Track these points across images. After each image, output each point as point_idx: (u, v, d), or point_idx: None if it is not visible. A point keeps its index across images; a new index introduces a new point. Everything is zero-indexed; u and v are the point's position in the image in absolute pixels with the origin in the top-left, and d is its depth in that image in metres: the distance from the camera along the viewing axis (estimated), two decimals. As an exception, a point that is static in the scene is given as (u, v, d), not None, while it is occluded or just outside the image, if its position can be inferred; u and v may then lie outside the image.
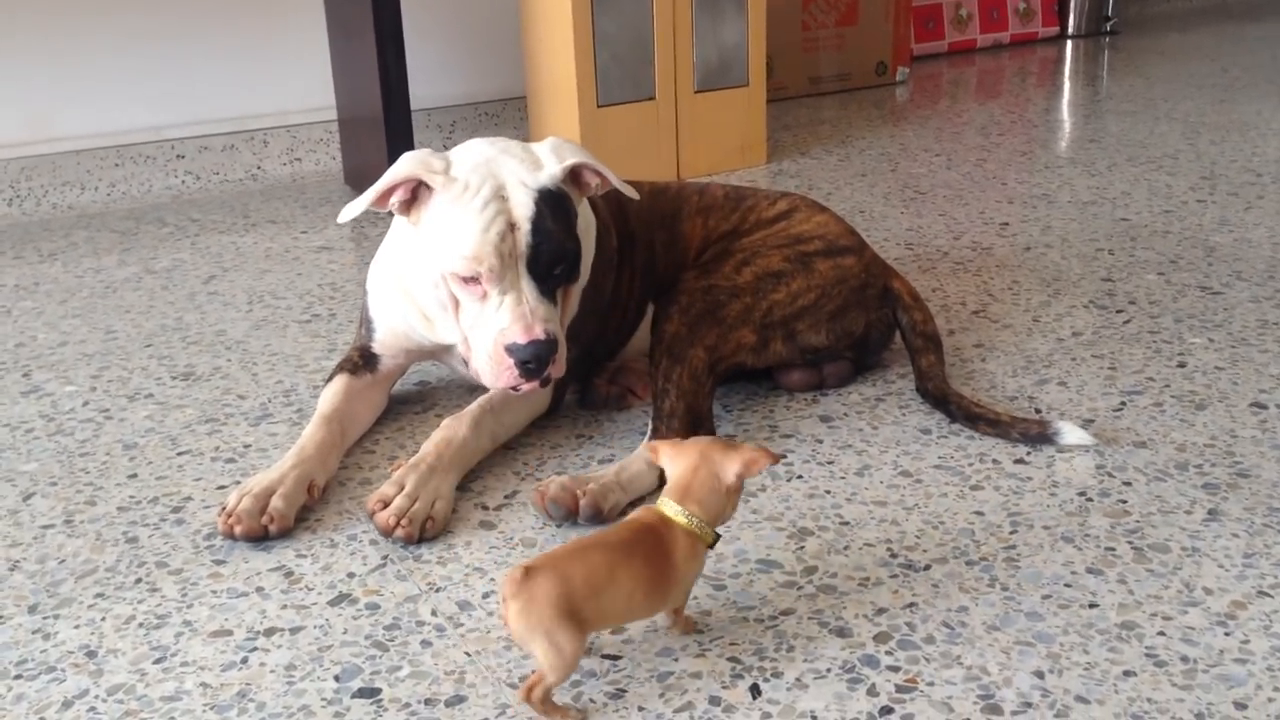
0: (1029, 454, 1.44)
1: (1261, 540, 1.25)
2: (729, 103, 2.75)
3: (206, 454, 1.51)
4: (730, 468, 1.09)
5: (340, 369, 1.56)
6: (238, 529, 1.29)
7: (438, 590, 1.21)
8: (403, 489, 1.31)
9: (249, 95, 2.83)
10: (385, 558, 1.27)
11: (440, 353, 1.56)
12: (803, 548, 1.27)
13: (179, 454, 1.51)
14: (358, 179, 2.70)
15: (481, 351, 1.34)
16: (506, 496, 1.40)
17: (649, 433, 1.42)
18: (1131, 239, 2.20)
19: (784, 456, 1.45)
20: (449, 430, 1.40)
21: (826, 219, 1.67)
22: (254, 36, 2.81)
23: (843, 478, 1.42)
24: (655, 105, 2.65)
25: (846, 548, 1.27)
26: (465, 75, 3.07)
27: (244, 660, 1.11)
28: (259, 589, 1.22)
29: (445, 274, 1.34)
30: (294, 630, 1.15)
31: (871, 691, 1.05)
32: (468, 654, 1.11)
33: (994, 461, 1.43)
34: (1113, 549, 1.25)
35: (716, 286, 1.49)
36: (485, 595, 1.20)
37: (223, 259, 2.28)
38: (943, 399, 1.54)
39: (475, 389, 1.62)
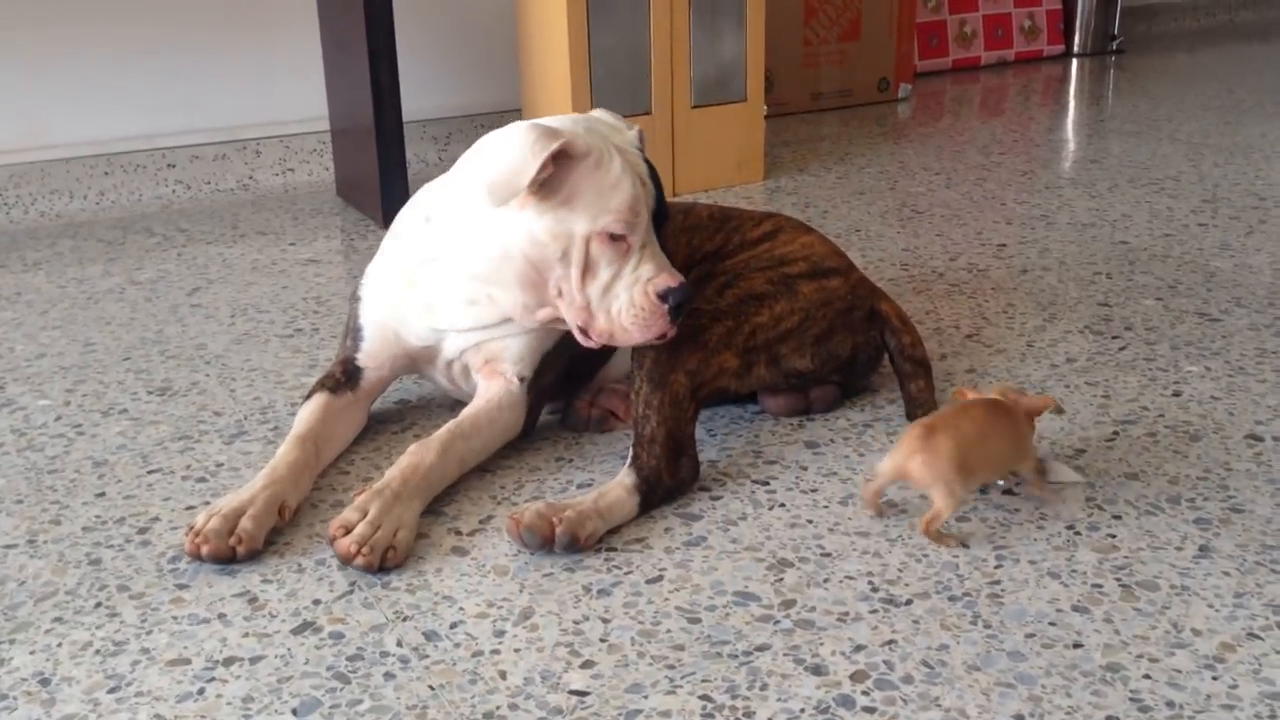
0: (1017, 485, 1.41)
1: (1253, 579, 1.21)
2: (726, 118, 2.72)
3: (177, 472, 1.48)
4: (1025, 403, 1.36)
5: (320, 386, 1.53)
6: (204, 550, 1.26)
7: (405, 619, 1.18)
8: (366, 515, 1.28)
9: (242, 104, 2.81)
10: (353, 584, 1.24)
11: (425, 362, 1.54)
12: (781, 580, 1.24)
13: (149, 472, 1.48)
14: (350, 190, 2.68)
15: (626, 308, 1.36)
16: (481, 521, 1.37)
17: (629, 458, 1.39)
18: (1130, 263, 2.16)
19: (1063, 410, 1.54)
20: (416, 456, 1.37)
21: (812, 240, 1.64)
22: (248, 46, 2.79)
23: (826, 507, 1.38)
24: (651, 120, 2.62)
25: (826, 580, 1.24)
26: (461, 87, 3.04)
27: (200, 691, 1.08)
28: (221, 615, 1.19)
29: (595, 235, 1.35)
30: (254, 660, 1.12)
31: (845, 734, 1.01)
32: (431, 688, 1.08)
33: (980, 492, 1.40)
34: (1100, 586, 1.21)
35: (698, 310, 1.46)
36: (453, 625, 1.17)
37: (208, 270, 2.25)
38: None
39: (455, 406, 1.59)
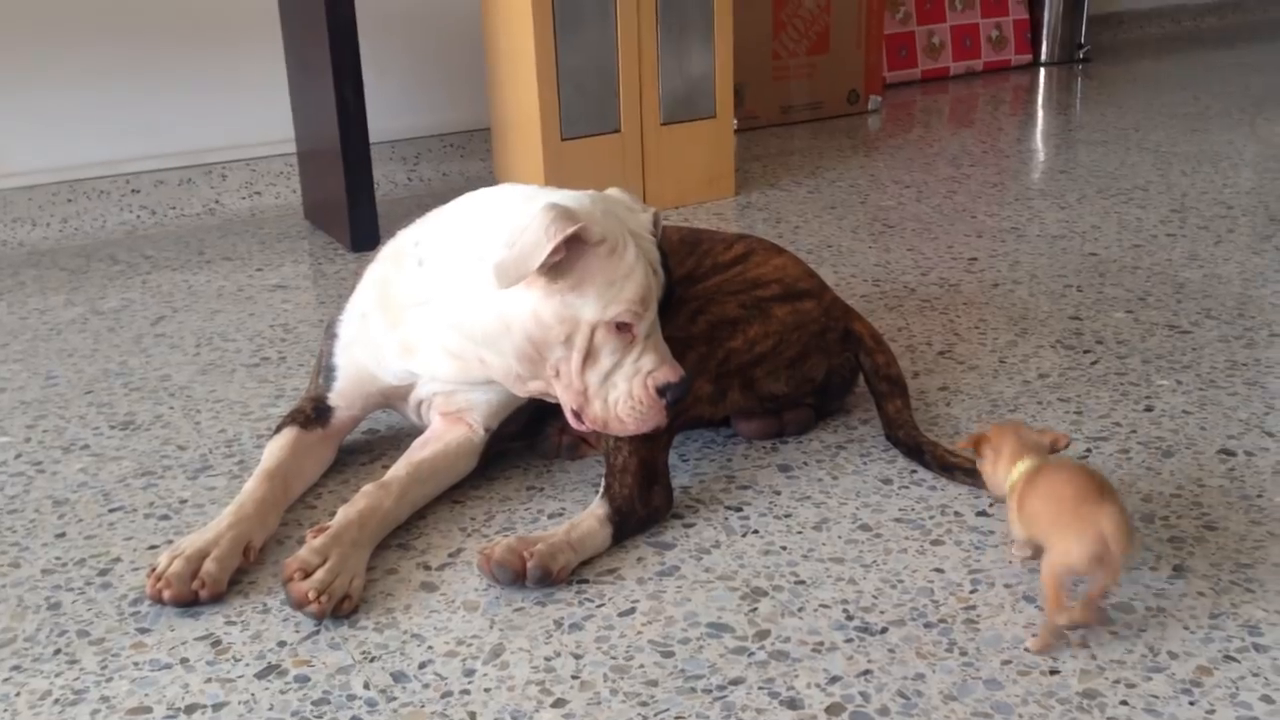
0: (991, 505, 1.40)
1: (1228, 599, 1.21)
2: (696, 135, 2.71)
3: (140, 510, 1.45)
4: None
5: (290, 421, 1.50)
6: (166, 594, 1.23)
7: (372, 660, 1.16)
8: (325, 561, 1.25)
9: (206, 127, 2.78)
10: (320, 624, 1.22)
11: (397, 399, 1.52)
12: (755, 609, 1.23)
13: (111, 510, 1.45)
14: (317, 213, 2.65)
15: (623, 399, 1.33)
16: (450, 555, 1.34)
17: (602, 488, 1.38)
18: (1100, 275, 2.16)
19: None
20: (374, 499, 1.34)
21: (784, 262, 1.63)
22: (212, 68, 2.76)
23: (800, 533, 1.37)
24: (621, 138, 2.61)
25: (801, 609, 1.22)
26: (429, 107, 3.02)
27: (162, 740, 1.05)
28: (183, 660, 1.16)
29: (601, 323, 1.30)
30: (217, 706, 1.10)
31: (821, 770, 1.00)
32: (399, 731, 1.06)
33: (956, 514, 1.39)
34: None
35: (670, 338, 1.45)
36: (422, 665, 1.15)
37: (173, 299, 2.22)
38: (916, 448, 1.50)
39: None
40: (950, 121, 3.55)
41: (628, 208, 1.41)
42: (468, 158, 3.07)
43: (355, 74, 2.36)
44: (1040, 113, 3.68)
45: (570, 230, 1.26)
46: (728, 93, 2.73)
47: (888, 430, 1.55)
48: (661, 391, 1.33)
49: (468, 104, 3.04)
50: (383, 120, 2.88)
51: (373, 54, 2.81)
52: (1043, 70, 4.31)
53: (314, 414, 1.51)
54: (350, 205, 2.43)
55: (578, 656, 1.16)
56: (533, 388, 1.38)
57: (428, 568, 1.32)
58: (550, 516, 1.42)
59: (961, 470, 1.44)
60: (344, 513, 1.32)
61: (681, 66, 2.65)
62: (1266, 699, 1.07)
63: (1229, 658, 1.12)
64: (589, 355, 1.32)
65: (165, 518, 1.44)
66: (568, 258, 1.29)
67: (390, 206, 2.79)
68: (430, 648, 1.18)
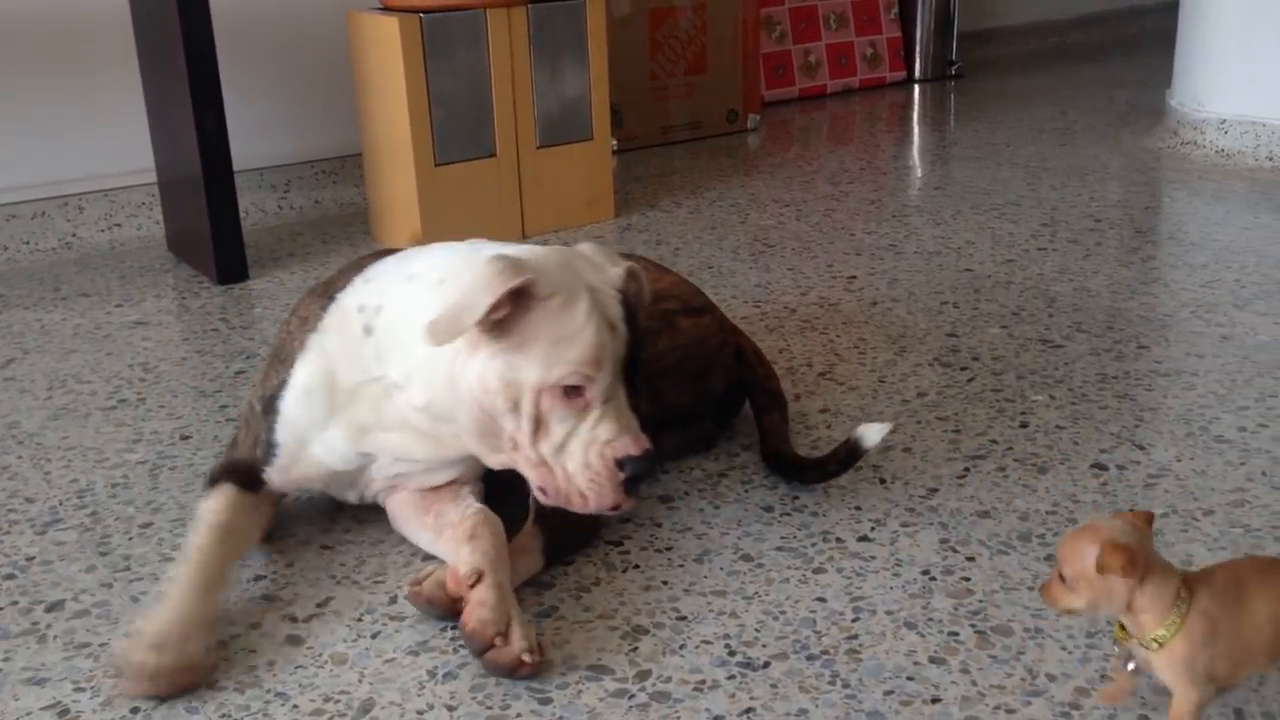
0: (872, 529, 1.39)
1: (1104, 617, 1.21)
2: (573, 157, 2.68)
3: (-18, 571, 1.36)
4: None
5: (226, 476, 1.34)
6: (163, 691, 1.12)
7: (232, 723, 1.09)
8: (509, 616, 1.17)
9: (61, 158, 2.66)
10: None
11: (342, 484, 1.38)
12: (636, 649, 1.19)
13: (-51, 573, 1.36)
14: (181, 244, 2.55)
15: (580, 470, 1.19)
16: (319, 605, 1.28)
17: (530, 517, 1.33)
18: (975, 290, 2.19)
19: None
20: (490, 537, 1.25)
21: (676, 279, 1.63)
22: (65, 97, 2.64)
23: (681, 565, 1.34)
24: (496, 163, 2.57)
25: (683, 647, 1.19)
26: (299, 133, 2.94)
27: (-2, 826, 0.98)
28: (24, 735, 1.08)
29: (547, 387, 1.17)
30: (60, 785, 1.02)
31: (703, 818, 0.97)
32: (259, 801, 1.00)
33: (837, 540, 1.38)
34: (956, 634, 1.20)
35: None
36: (285, 727, 1.09)
37: (24, 339, 2.11)
38: (776, 457, 1.51)
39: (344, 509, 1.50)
40: (828, 139, 3.59)
41: (593, 263, 1.27)
42: (340, 184, 2.99)
43: (216, 102, 2.28)
44: (915, 129, 3.74)
45: (516, 283, 1.14)
46: (604, 114, 2.71)
47: (764, 444, 1.54)
48: (620, 465, 1.19)
49: (338, 129, 2.97)
50: (249, 146, 2.79)
51: (236, 78, 2.72)
52: (917, 87, 4.39)
53: (248, 479, 1.35)
54: (215, 236, 2.34)
55: (451, 709, 1.11)
56: (498, 461, 1.25)
57: (294, 619, 1.26)
58: (425, 559, 1.37)
59: (809, 468, 1.48)
60: (480, 552, 1.22)
61: (556, 88, 2.62)
62: (1144, 718, 1.07)
63: (1106, 677, 1.12)
64: (539, 423, 1.19)
65: (10, 576, 1.35)
66: (514, 315, 1.17)
67: (260, 235, 2.70)
68: (295, 707, 1.12)
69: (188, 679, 1.14)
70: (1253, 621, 0.96)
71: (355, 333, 1.28)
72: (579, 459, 1.19)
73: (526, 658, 1.14)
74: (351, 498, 1.41)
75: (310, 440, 1.32)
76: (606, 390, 1.20)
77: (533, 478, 1.23)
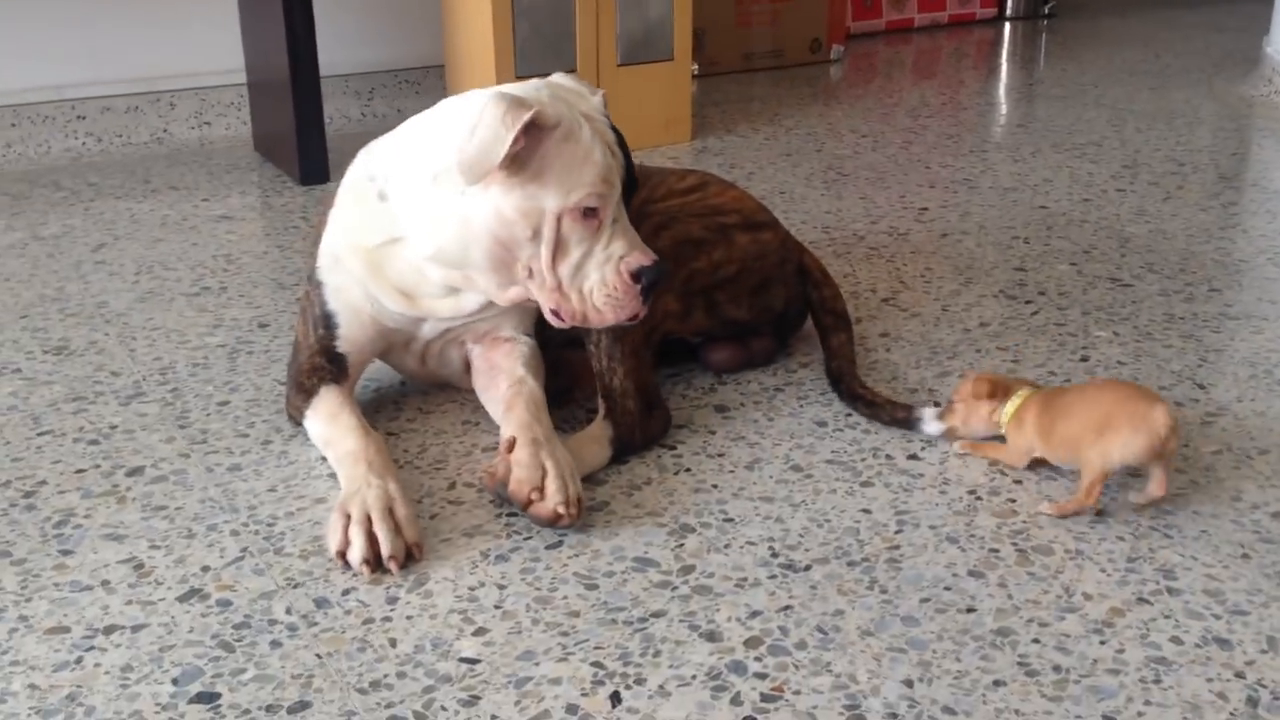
0: (923, 449, 1.41)
1: (1146, 544, 1.23)
2: (653, 77, 2.69)
3: (69, 434, 1.44)
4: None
5: (316, 379, 1.39)
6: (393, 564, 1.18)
7: (296, 586, 1.16)
8: (547, 470, 1.24)
9: (156, 54, 2.72)
10: (244, 550, 1.21)
11: (398, 345, 1.45)
12: (682, 545, 1.23)
13: (39, 434, 1.44)
14: (268, 146, 2.62)
15: (598, 287, 1.30)
16: (381, 486, 1.34)
17: (601, 412, 1.38)
18: (1048, 227, 2.17)
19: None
20: (524, 395, 1.35)
21: (740, 194, 1.64)
22: (162, -6, 2.70)
23: (731, 471, 1.37)
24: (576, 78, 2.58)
25: (727, 546, 1.23)
26: (385, 41, 2.98)
27: (78, 660, 1.05)
28: (105, 582, 1.16)
29: (567, 211, 1.26)
30: (136, 628, 1.09)
31: (735, 700, 1.01)
32: (318, 656, 1.06)
33: (887, 457, 1.40)
34: (996, 550, 1.22)
35: None
36: (345, 592, 1.15)
37: (115, 226, 2.19)
38: (837, 378, 1.53)
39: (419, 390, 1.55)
40: (912, 73, 3.54)
41: (576, 92, 1.35)
42: (423, 94, 3.03)
43: (305, 7, 2.32)
44: (1002, 67, 3.67)
45: (526, 117, 1.22)
46: (686, 36, 2.71)
47: (829, 363, 1.56)
48: (636, 276, 1.30)
49: (423, 40, 3.00)
50: (336, 53, 2.84)
51: (327, -16, 2.76)
52: (1008, 25, 4.30)
53: (332, 366, 1.41)
54: (299, 138, 2.40)
55: (501, 587, 1.16)
56: (512, 294, 1.34)
57: (357, 498, 1.31)
58: (484, 450, 1.42)
59: (863, 401, 1.49)
60: (515, 420, 1.30)
61: (640, 7, 2.62)
62: (1175, 640, 1.09)
63: (1142, 600, 1.14)
64: (558, 247, 1.28)
65: (94, 442, 1.42)
66: (525, 147, 1.24)
67: (342, 141, 2.75)
68: (355, 575, 1.18)
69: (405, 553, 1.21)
70: (1067, 411, 1.28)
71: (371, 200, 1.37)
72: (595, 278, 1.30)
73: (561, 509, 1.21)
74: (410, 363, 1.48)
75: (359, 303, 1.40)
76: (615, 210, 1.30)
77: (547, 301, 1.32)
